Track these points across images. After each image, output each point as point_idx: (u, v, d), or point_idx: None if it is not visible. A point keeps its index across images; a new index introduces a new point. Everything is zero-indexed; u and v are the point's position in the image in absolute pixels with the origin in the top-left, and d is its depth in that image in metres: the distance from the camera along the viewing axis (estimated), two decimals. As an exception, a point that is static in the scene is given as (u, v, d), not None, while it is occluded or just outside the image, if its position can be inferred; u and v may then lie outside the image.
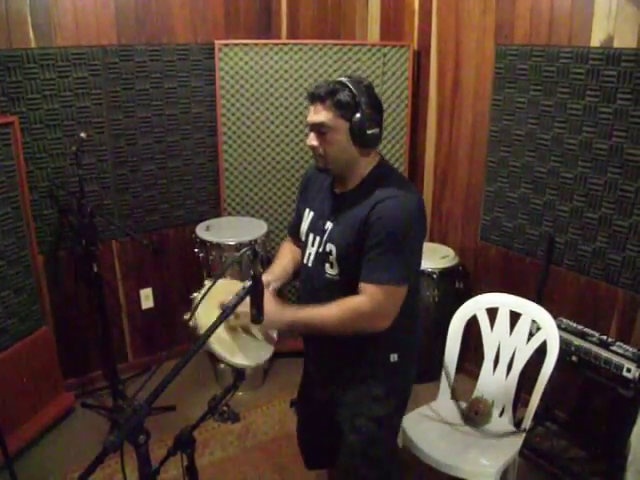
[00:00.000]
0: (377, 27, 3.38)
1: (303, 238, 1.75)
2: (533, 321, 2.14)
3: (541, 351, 2.07)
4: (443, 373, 2.28)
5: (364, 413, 1.69)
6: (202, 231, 2.98)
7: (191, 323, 1.49)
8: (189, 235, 3.14)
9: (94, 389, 3.07)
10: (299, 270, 1.80)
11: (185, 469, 1.42)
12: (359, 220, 1.53)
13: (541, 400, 2.03)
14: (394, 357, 1.68)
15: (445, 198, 3.25)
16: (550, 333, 2.06)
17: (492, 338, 2.24)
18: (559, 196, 2.59)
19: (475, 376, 2.32)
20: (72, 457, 2.55)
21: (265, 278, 1.71)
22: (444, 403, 2.26)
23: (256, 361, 1.61)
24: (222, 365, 1.55)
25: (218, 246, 2.88)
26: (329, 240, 1.62)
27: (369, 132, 1.53)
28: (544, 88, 2.55)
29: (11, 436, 2.43)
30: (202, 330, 1.34)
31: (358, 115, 1.50)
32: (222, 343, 1.53)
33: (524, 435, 2.07)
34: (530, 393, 2.06)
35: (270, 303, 1.54)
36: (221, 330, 1.51)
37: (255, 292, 1.40)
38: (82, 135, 2.58)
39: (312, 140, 1.57)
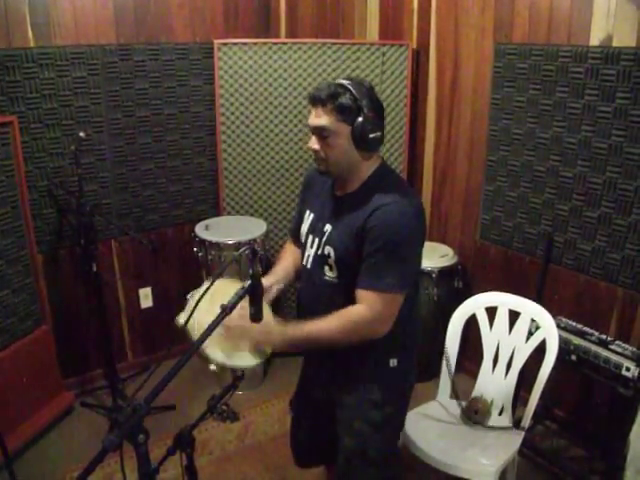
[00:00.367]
0: (376, 26, 3.38)
1: (303, 239, 1.74)
2: (532, 320, 2.14)
3: (540, 350, 2.07)
4: (442, 372, 2.28)
5: (362, 417, 1.69)
6: (201, 230, 2.97)
7: (184, 323, 1.49)
8: (188, 234, 3.14)
9: (93, 388, 3.08)
10: (300, 271, 1.80)
11: (184, 468, 1.42)
12: (357, 225, 1.53)
13: (540, 399, 2.03)
14: (393, 362, 1.68)
15: (444, 197, 3.25)
16: (549, 332, 2.06)
17: (491, 337, 2.24)
18: (558, 195, 2.59)
19: (474, 375, 2.31)
20: (71, 456, 2.55)
21: (267, 281, 1.71)
22: (443, 402, 2.26)
23: (252, 362, 1.61)
24: (213, 366, 1.54)
25: (217, 245, 2.88)
26: (328, 242, 1.61)
27: (371, 136, 1.52)
28: (543, 87, 2.55)
29: (10, 435, 2.43)
30: (197, 329, 1.34)
31: (360, 119, 1.49)
32: (219, 345, 1.53)
33: (523, 434, 2.07)
34: (529, 392, 2.06)
35: (269, 324, 1.56)
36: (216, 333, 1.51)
37: (254, 291, 1.40)
38: (81, 134, 2.59)
39: (313, 143, 1.56)
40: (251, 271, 1.38)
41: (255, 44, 3.05)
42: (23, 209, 2.57)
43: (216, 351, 1.51)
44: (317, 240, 1.66)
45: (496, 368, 2.22)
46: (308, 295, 1.74)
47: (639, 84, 2.19)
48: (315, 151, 1.57)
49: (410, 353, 1.75)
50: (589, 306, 2.54)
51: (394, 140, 3.23)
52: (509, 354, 2.18)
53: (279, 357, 3.25)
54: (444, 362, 2.27)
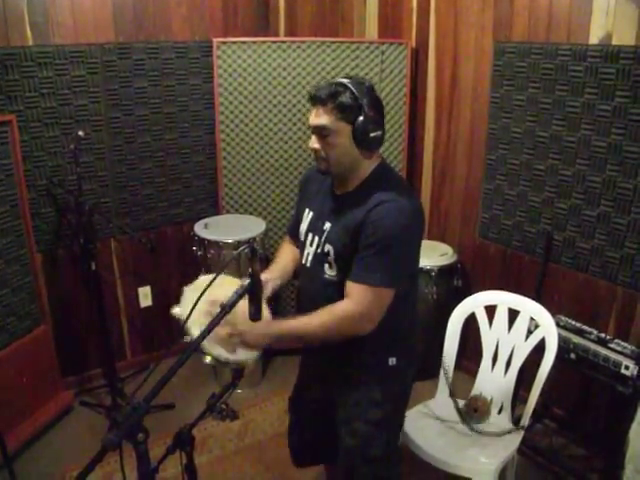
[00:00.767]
0: (375, 24, 3.37)
1: (302, 238, 1.74)
2: (531, 319, 2.15)
3: (540, 349, 2.07)
4: (442, 371, 2.28)
5: (362, 416, 1.69)
6: (200, 229, 2.97)
7: (178, 315, 1.50)
8: (187, 233, 3.14)
9: (93, 387, 3.07)
10: (298, 270, 1.80)
11: (184, 467, 1.42)
12: (356, 223, 1.53)
13: (540, 397, 2.03)
14: (392, 361, 1.68)
15: (444, 196, 3.25)
16: (548, 330, 2.06)
17: (491, 336, 2.24)
18: (558, 194, 2.59)
19: (474, 374, 2.32)
20: (71, 455, 2.55)
21: (264, 277, 1.71)
22: (443, 401, 2.26)
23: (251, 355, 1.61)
24: (208, 359, 1.54)
25: (216, 244, 2.88)
26: (327, 240, 1.61)
27: (372, 134, 1.52)
28: (542, 85, 2.54)
29: (10, 434, 2.43)
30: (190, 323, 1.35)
31: (360, 118, 1.49)
32: (217, 341, 1.53)
33: (523, 432, 2.07)
34: (529, 390, 2.06)
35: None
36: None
37: (253, 290, 1.40)
38: (80, 133, 2.58)
39: (314, 143, 1.56)
40: (250, 270, 1.38)
41: (254, 42, 3.04)
42: (22, 208, 2.57)
43: (215, 347, 1.51)
44: (317, 238, 1.66)
45: (495, 367, 2.22)
46: (308, 293, 1.74)
47: (638, 82, 2.20)
48: (315, 150, 1.57)
49: (409, 351, 1.75)
50: (588, 305, 2.54)
51: (393, 139, 3.23)
52: (508, 353, 2.18)
53: (278, 356, 3.26)
54: (443, 360, 2.27)
